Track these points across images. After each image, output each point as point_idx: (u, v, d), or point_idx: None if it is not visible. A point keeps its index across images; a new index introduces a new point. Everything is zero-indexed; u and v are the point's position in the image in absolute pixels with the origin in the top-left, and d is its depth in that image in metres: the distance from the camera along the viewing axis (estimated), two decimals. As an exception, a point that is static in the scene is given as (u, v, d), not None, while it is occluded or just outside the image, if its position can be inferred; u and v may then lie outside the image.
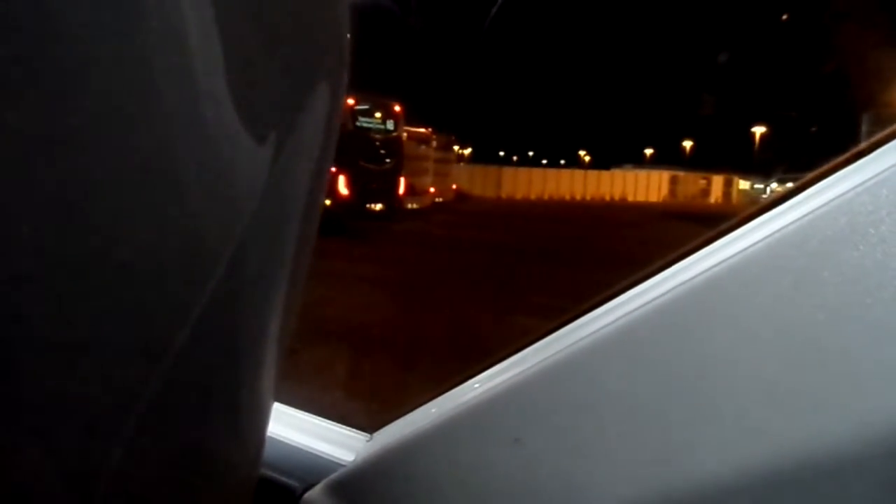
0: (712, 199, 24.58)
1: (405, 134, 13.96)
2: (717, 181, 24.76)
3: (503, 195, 24.85)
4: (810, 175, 0.54)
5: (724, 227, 0.58)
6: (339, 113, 0.49)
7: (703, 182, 25.62)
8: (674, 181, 26.55)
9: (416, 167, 14.70)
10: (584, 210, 21.34)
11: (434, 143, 16.83)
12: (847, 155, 0.52)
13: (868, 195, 0.49)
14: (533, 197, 25.28)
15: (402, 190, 13.13)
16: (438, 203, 16.43)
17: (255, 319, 0.46)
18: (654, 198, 26.06)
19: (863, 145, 0.51)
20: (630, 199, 26.03)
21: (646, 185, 26.69)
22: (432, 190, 16.01)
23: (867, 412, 0.49)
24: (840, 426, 0.50)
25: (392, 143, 12.82)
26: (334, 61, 0.47)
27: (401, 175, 13.05)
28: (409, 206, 13.79)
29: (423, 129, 15.89)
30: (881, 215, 0.48)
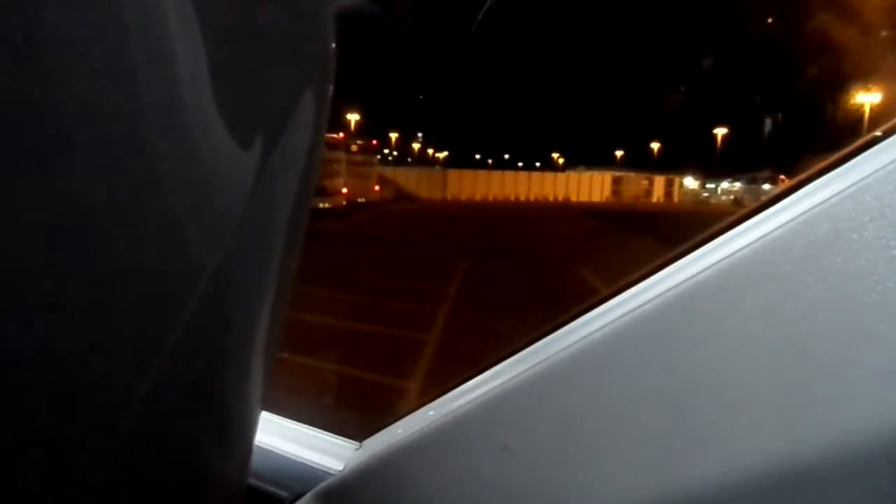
0: (654, 199, 25.08)
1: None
2: (659, 181, 25.26)
3: (448, 197, 25.05)
4: (794, 180, 0.55)
5: (709, 232, 0.59)
6: (325, 122, 0.49)
7: (645, 182, 26.12)
8: (616, 182, 26.99)
9: (324, 170, 15.61)
10: (515, 210, 21.62)
11: (354, 148, 18.55)
12: (830, 160, 0.53)
13: (851, 201, 0.50)
14: (478, 198, 25.47)
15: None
16: (360, 203, 17.87)
17: (243, 328, 0.45)
18: (596, 198, 26.43)
19: (845, 150, 0.53)
20: (573, 199, 26.38)
21: (590, 186, 27.07)
22: (345, 191, 17.23)
23: (852, 416, 0.50)
24: (825, 430, 0.51)
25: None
26: (320, 70, 0.47)
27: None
28: (320, 205, 14.48)
29: (334, 135, 17.27)
30: (864, 221, 0.50)
